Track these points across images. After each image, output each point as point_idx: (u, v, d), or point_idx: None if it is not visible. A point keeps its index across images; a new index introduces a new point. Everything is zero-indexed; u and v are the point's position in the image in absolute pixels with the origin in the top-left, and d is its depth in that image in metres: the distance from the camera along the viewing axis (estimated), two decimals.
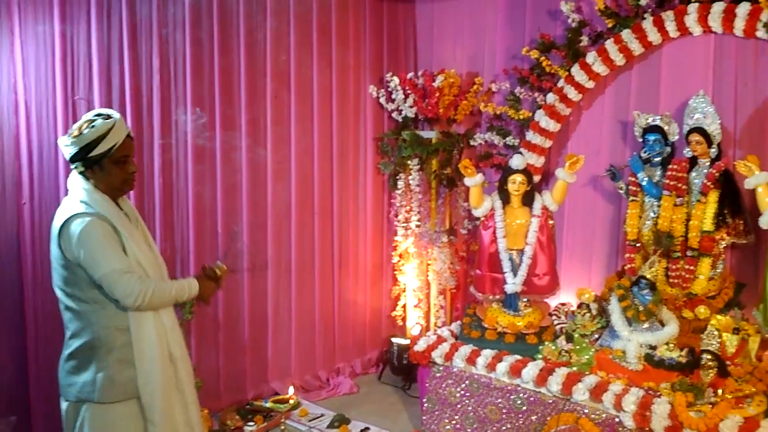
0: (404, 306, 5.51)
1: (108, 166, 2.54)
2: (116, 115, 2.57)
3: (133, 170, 2.64)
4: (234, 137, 4.59)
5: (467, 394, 4.07)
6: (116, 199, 2.64)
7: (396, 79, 5.26)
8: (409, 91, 5.21)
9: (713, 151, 4.01)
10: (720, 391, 3.35)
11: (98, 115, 2.57)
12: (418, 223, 5.32)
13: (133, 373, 2.55)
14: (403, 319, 5.52)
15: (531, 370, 3.82)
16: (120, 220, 2.57)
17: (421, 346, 4.32)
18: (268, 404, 4.35)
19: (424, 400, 4.27)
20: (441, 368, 4.19)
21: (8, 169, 3.75)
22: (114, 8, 4.03)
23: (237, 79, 4.59)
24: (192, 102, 4.34)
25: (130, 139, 2.61)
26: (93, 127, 2.50)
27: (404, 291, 5.50)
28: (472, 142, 5.15)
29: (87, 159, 2.52)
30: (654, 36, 4.29)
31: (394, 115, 5.38)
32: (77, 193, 2.55)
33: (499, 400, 3.92)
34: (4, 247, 3.76)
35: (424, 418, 4.26)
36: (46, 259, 3.32)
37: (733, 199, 3.95)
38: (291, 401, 4.28)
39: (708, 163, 4.01)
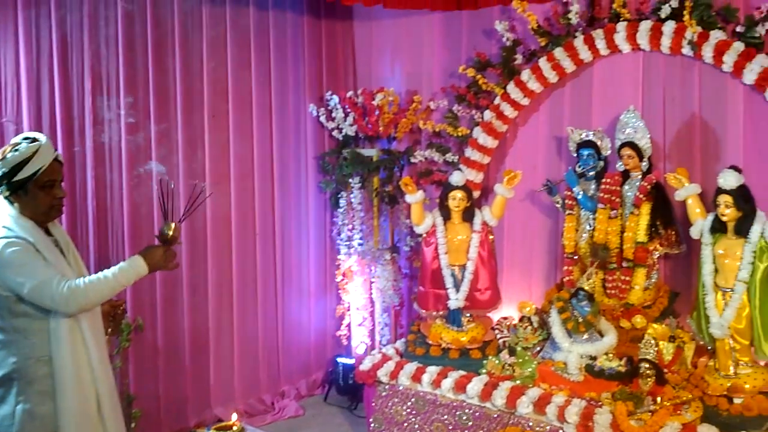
0: (349, 325, 5.47)
1: (33, 191, 2.46)
2: (43, 138, 2.50)
3: (61, 195, 2.55)
4: (171, 156, 4.51)
5: (413, 412, 4.05)
6: (45, 225, 2.55)
7: (336, 98, 5.26)
8: (348, 110, 5.21)
9: (644, 164, 4.13)
10: (659, 399, 3.43)
11: (25, 138, 2.49)
12: (361, 241, 5.29)
13: (54, 406, 2.45)
14: (348, 339, 5.48)
15: (475, 385, 3.84)
16: (46, 247, 2.48)
17: (366, 365, 4.29)
18: None
19: (371, 420, 4.24)
20: (387, 387, 4.17)
21: None
22: (43, 28, 3.93)
23: (173, 98, 4.51)
24: (126, 122, 4.25)
25: (58, 163, 2.53)
26: (17, 150, 2.43)
27: (348, 310, 5.47)
28: (412, 160, 5.18)
29: (11, 183, 2.44)
30: (585, 54, 4.42)
31: (334, 133, 5.36)
32: (1, 219, 2.46)
33: (445, 417, 3.92)
34: None
35: None
36: None
37: (664, 210, 4.08)
38: (234, 428, 4.18)
39: (640, 177, 4.13)
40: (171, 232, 2.65)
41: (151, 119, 4.39)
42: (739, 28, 3.89)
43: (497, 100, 4.72)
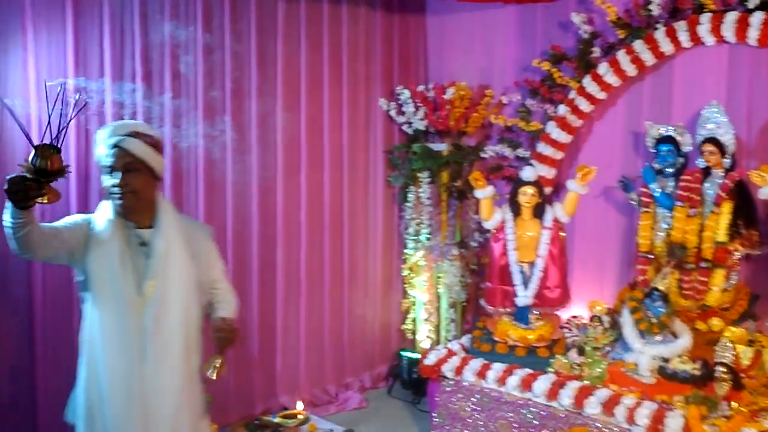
0: (414, 319, 5.46)
1: None
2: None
3: None
4: (244, 149, 4.58)
5: (478, 408, 4.01)
6: None
7: (407, 92, 5.26)
8: (419, 104, 5.20)
9: (727, 161, 3.97)
10: (735, 404, 3.29)
11: None
12: (429, 236, 5.28)
13: None
14: (413, 333, 5.47)
15: (542, 383, 3.77)
16: None
17: (431, 359, 4.27)
18: (277, 419, 4.31)
19: (434, 414, 4.22)
20: (451, 382, 4.14)
21: None
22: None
23: (247, 93, 4.58)
24: (203, 115, 4.35)
25: None
26: None
27: (414, 304, 5.46)
28: (482, 155, 5.13)
29: None
30: (666, 46, 4.27)
31: (404, 127, 5.37)
32: None
33: (510, 414, 3.86)
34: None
35: None
36: None
37: (747, 209, 3.92)
38: (300, 416, 4.24)
39: (722, 174, 3.97)
40: (49, 163, 1.88)
41: (227, 113, 4.47)
42: None
43: (572, 94, 4.62)
